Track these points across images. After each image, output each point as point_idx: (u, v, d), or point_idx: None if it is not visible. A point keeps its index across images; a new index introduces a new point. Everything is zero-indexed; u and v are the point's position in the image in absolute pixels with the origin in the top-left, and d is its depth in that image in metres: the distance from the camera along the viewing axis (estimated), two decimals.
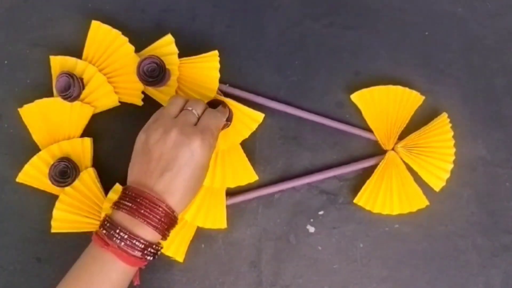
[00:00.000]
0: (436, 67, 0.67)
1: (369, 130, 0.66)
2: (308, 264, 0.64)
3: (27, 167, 0.64)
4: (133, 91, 0.65)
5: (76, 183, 0.63)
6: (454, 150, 0.64)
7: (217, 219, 0.64)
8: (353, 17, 0.68)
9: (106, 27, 0.65)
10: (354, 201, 0.64)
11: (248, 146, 0.65)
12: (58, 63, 0.65)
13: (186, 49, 0.65)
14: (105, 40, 0.65)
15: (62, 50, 0.67)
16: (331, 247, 0.64)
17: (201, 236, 0.64)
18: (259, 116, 0.64)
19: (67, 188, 0.63)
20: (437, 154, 0.64)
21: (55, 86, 0.64)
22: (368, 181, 0.64)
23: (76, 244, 0.63)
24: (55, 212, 0.63)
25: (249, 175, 0.64)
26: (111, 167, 0.66)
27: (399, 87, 0.65)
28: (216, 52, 0.64)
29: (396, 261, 0.64)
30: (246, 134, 0.64)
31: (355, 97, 0.66)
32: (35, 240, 0.65)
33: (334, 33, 0.68)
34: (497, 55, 0.68)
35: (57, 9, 0.69)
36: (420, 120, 0.66)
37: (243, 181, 0.64)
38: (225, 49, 0.66)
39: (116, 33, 0.65)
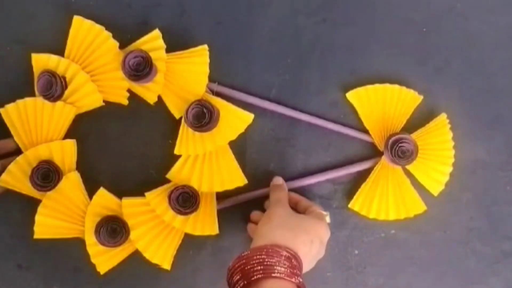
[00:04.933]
0: (434, 65, 0.66)
1: (364, 131, 0.64)
2: None
3: (8, 169, 0.62)
4: (118, 90, 0.63)
5: (59, 187, 0.62)
6: (453, 152, 0.63)
7: (207, 225, 0.62)
8: (348, 13, 0.67)
9: (89, 22, 0.63)
10: (349, 206, 0.63)
11: (238, 147, 0.64)
12: (40, 61, 0.63)
13: (174, 46, 0.64)
14: (87, 36, 0.63)
15: (44, 47, 0.65)
16: (325, 254, 0.62)
17: (189, 242, 0.63)
18: (248, 117, 0.62)
19: (50, 193, 0.61)
20: (436, 156, 0.63)
21: (37, 85, 0.62)
22: (363, 185, 0.63)
23: (58, 251, 0.62)
24: (38, 218, 0.61)
25: (238, 179, 0.63)
26: (96, 170, 0.65)
27: (396, 86, 0.64)
28: (205, 46, 0.63)
29: (393, 268, 0.64)
30: (234, 136, 0.62)
31: (350, 95, 0.64)
32: (16, 246, 0.64)
33: (327, 30, 0.66)
34: (497, 52, 0.67)
35: (39, 4, 0.67)
36: (418, 121, 0.65)
37: (232, 185, 0.63)
38: (214, 46, 0.64)
39: (98, 28, 0.63)
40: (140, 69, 0.60)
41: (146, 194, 0.62)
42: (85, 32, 0.63)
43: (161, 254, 0.61)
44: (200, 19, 0.66)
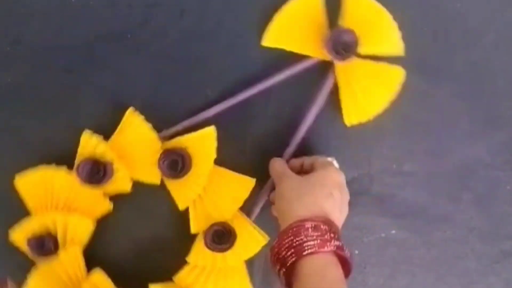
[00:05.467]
0: (434, 65, 0.66)
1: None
2: None
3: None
4: (150, 171, 0.62)
5: (59, 257, 0.60)
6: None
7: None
8: None
9: (140, 119, 0.62)
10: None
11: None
12: (87, 143, 0.62)
13: (174, 48, 0.64)
14: (135, 130, 0.62)
15: (44, 46, 0.65)
16: None
17: (189, 243, 0.62)
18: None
19: (45, 264, 0.60)
20: None
21: (80, 169, 0.60)
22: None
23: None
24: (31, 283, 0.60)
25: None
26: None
27: None
28: (253, 181, 0.62)
29: (393, 268, 0.64)
30: (247, 257, 0.61)
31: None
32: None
33: None
34: (498, 52, 0.66)
35: (38, 4, 0.66)
36: None
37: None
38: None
39: (147, 128, 0.62)
40: (178, 168, 0.60)
41: (174, 278, 0.61)
42: (134, 127, 0.62)
43: None
44: (200, 19, 0.66)
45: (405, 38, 0.65)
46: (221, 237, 0.60)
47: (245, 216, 0.62)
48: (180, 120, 0.64)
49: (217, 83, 0.65)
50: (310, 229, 0.50)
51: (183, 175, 0.61)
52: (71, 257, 0.61)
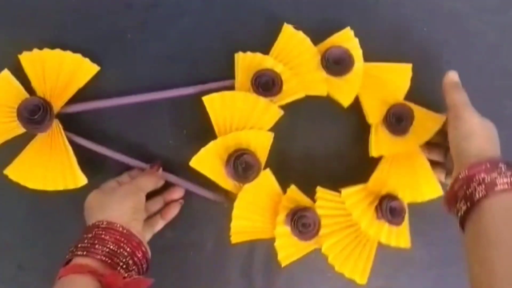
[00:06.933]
0: (434, 65, 0.66)
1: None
2: (301, 272, 0.63)
3: (202, 152, 0.59)
4: (316, 83, 0.64)
5: (256, 182, 0.59)
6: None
7: (401, 237, 0.61)
8: (347, 12, 0.67)
9: (295, 31, 0.65)
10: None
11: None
12: (245, 60, 0.64)
13: (175, 47, 0.64)
14: (291, 41, 0.65)
15: (43, 47, 0.63)
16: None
17: (189, 242, 0.63)
18: (441, 118, 0.62)
19: (247, 186, 0.59)
20: None
21: (254, 81, 0.61)
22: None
23: (58, 251, 0.59)
24: (234, 223, 0.59)
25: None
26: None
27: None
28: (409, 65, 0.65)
29: (393, 269, 0.64)
30: (427, 138, 0.62)
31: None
32: (16, 246, 0.63)
33: None
34: (498, 52, 0.67)
35: (38, 4, 0.66)
36: None
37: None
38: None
39: (303, 37, 0.65)
40: (340, 62, 0.62)
41: (342, 190, 0.61)
42: (291, 38, 0.65)
43: (351, 265, 0.60)
44: (200, 19, 0.66)
45: (403, 36, 0.67)
46: (399, 120, 0.61)
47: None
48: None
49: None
50: (503, 168, 0.50)
51: (345, 73, 0.63)
52: (267, 179, 0.61)
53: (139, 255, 0.52)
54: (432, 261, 0.64)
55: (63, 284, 0.48)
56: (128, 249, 0.51)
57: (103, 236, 0.51)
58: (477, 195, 0.49)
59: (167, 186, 0.62)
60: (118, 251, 0.50)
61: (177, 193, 0.62)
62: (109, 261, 0.50)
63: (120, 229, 0.51)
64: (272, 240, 0.62)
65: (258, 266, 0.63)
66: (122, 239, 0.51)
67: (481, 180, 0.49)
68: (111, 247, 0.50)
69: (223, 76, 0.65)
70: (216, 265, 0.63)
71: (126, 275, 0.50)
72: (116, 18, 0.66)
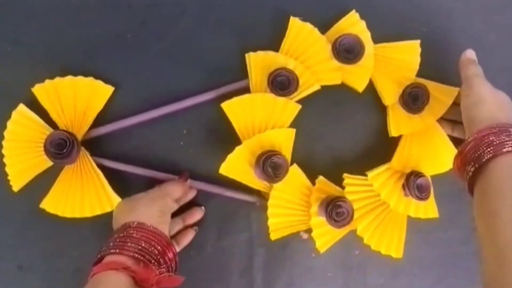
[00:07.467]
0: (434, 65, 0.66)
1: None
2: (301, 272, 0.63)
3: (230, 158, 0.60)
4: (330, 73, 0.65)
5: (286, 179, 0.61)
6: None
7: (429, 209, 0.63)
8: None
9: (302, 23, 0.66)
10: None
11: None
12: (258, 59, 0.64)
13: (175, 46, 0.64)
14: (301, 34, 0.65)
15: (43, 46, 0.65)
16: (325, 254, 0.63)
17: (189, 242, 0.62)
18: (454, 91, 0.64)
19: (277, 184, 0.60)
20: None
21: (271, 82, 0.62)
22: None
23: (58, 251, 0.62)
24: (271, 221, 0.61)
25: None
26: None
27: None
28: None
29: (393, 268, 0.64)
30: (442, 112, 0.64)
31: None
32: (16, 246, 0.63)
33: None
34: (499, 52, 0.67)
35: (39, 3, 0.66)
36: None
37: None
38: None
39: (310, 28, 0.65)
40: (351, 50, 0.63)
41: (368, 173, 0.62)
42: (299, 31, 0.65)
43: (386, 242, 0.62)
44: (200, 18, 0.66)
45: (403, 36, 0.66)
46: (415, 99, 0.63)
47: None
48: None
49: (217, 83, 0.65)
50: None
51: (358, 60, 0.64)
52: (296, 174, 0.62)
53: (170, 255, 0.53)
54: (432, 260, 0.64)
55: (98, 281, 0.49)
56: (159, 248, 0.52)
57: (134, 234, 0.52)
58: (485, 157, 0.50)
59: (185, 208, 0.62)
60: (150, 249, 0.51)
61: (197, 215, 0.63)
62: (142, 258, 0.50)
63: (151, 228, 0.52)
64: (271, 239, 0.62)
65: (258, 266, 0.63)
66: (153, 238, 0.52)
67: (490, 142, 0.50)
68: (143, 245, 0.51)
69: (231, 75, 0.65)
70: (216, 265, 0.63)
71: (157, 272, 0.51)
72: (116, 18, 0.66)
